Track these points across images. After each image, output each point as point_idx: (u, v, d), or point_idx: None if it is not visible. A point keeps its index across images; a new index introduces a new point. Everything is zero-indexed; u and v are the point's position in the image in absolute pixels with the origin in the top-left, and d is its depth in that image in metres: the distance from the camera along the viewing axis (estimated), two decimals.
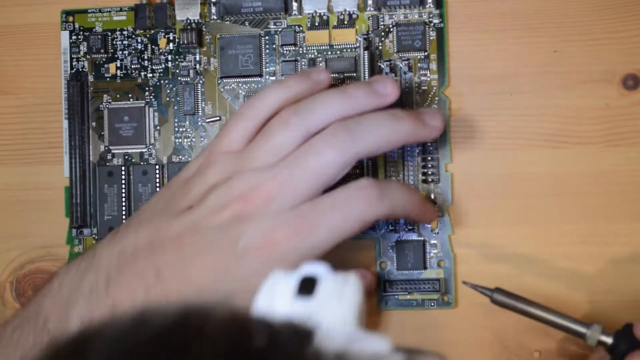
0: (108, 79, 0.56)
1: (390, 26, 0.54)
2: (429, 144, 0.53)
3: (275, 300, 0.34)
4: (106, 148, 0.56)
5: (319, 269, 0.36)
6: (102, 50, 0.56)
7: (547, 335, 0.51)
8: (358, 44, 0.55)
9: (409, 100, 0.54)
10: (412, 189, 0.50)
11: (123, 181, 0.55)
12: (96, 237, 0.56)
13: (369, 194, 0.46)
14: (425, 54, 0.54)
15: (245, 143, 0.49)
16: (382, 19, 0.54)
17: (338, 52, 0.55)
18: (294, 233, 0.45)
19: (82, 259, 0.49)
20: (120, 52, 0.56)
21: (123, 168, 0.56)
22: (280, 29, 0.55)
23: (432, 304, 0.53)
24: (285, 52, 0.55)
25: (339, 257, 0.45)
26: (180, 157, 0.56)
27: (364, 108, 0.48)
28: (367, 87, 0.49)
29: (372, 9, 0.55)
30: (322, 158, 0.46)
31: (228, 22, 0.56)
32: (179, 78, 0.56)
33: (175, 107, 0.56)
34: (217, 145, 0.49)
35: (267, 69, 0.55)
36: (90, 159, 0.56)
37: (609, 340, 0.46)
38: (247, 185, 0.46)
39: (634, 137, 0.52)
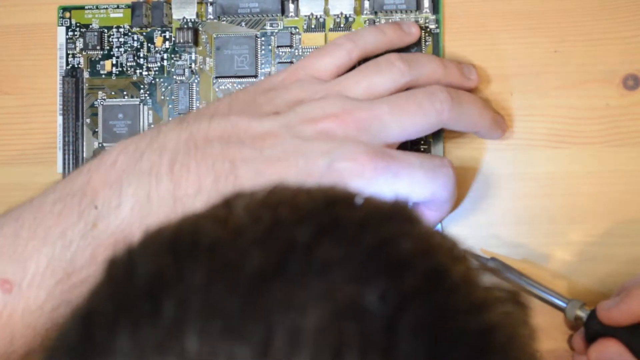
0: (103, 76, 0.56)
1: None
2: (423, 144, 0.53)
3: None
4: (100, 145, 0.56)
5: None
6: (98, 47, 0.56)
7: (548, 335, 0.50)
8: None
9: None
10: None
11: None
12: None
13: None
14: None
15: (334, 74, 0.49)
16: (378, 23, 0.54)
17: None
18: (383, 170, 0.45)
19: (142, 138, 0.47)
20: (116, 50, 0.56)
21: None
22: (276, 30, 0.55)
23: None
24: (281, 53, 0.55)
25: None
26: None
27: (452, 81, 0.50)
28: (459, 67, 0.51)
29: (368, 12, 0.54)
30: (422, 110, 0.47)
31: (224, 22, 0.56)
32: (174, 77, 0.56)
33: (170, 106, 0.56)
34: (307, 65, 0.49)
35: (263, 70, 0.55)
36: (84, 156, 0.56)
37: (584, 315, 0.48)
38: (341, 107, 0.46)
39: (634, 137, 0.52)
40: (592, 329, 0.47)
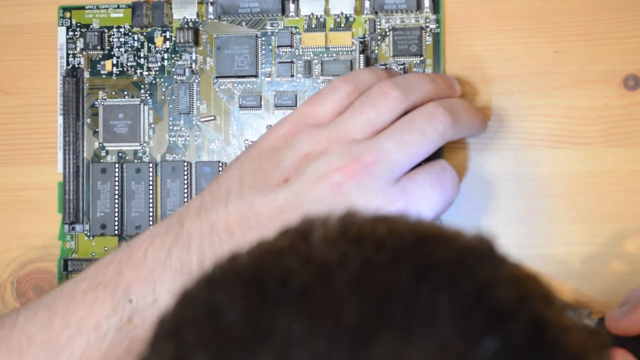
0: (104, 76, 0.56)
1: (387, 30, 0.54)
2: None
3: None
4: (100, 145, 0.56)
5: None
6: (98, 47, 0.56)
7: None
8: (354, 47, 0.55)
9: None
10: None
11: (116, 178, 0.55)
12: (88, 234, 0.56)
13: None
14: (421, 59, 0.54)
15: (335, 116, 0.48)
16: (378, 23, 0.54)
17: (334, 54, 0.55)
18: (404, 209, 0.46)
19: (167, 230, 0.48)
20: (117, 49, 0.56)
21: (116, 165, 0.55)
22: (276, 30, 0.55)
23: None
24: (281, 53, 0.55)
25: None
26: (174, 155, 0.56)
27: (443, 96, 0.50)
28: (444, 79, 0.51)
29: (369, 12, 0.55)
30: (427, 137, 0.47)
31: (225, 22, 0.56)
32: (175, 77, 0.56)
33: (170, 106, 0.56)
34: (307, 114, 0.49)
35: (263, 70, 0.55)
36: (84, 156, 0.56)
37: (591, 324, 0.48)
38: (347, 156, 0.46)
39: (634, 137, 0.52)
40: None
